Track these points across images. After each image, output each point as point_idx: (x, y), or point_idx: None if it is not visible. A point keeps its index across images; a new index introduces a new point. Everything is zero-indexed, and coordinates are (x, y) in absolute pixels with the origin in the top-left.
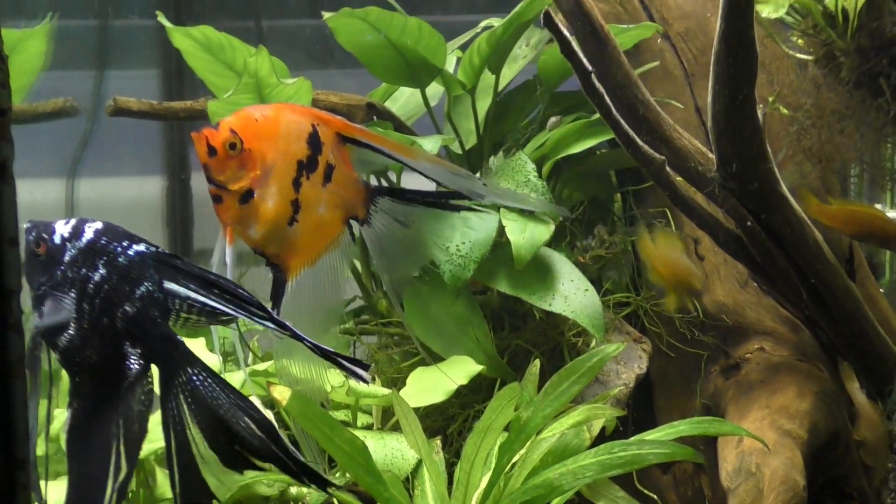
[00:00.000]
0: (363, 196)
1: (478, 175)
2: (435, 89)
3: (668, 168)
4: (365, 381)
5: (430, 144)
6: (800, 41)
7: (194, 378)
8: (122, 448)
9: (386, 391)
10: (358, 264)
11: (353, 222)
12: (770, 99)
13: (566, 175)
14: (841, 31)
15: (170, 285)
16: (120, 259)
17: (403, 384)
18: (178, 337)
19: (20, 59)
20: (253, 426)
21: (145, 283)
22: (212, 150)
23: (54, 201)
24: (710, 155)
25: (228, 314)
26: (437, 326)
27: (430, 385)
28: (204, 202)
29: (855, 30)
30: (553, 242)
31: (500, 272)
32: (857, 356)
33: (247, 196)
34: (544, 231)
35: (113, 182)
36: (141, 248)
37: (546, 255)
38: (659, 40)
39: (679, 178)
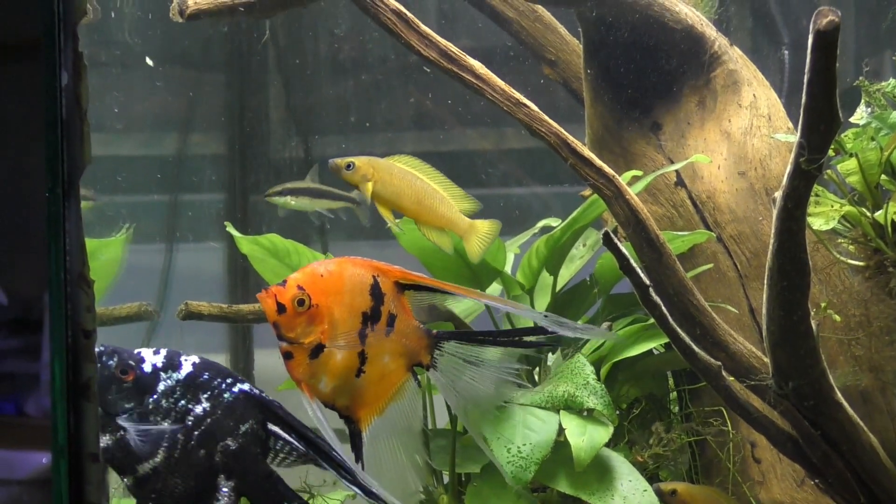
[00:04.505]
0: (426, 342)
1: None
2: (493, 288)
3: (723, 372)
4: None
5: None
6: (851, 247)
7: None
8: None
9: None
10: (419, 459)
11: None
12: (822, 305)
13: (623, 374)
14: (891, 241)
15: (274, 427)
16: (225, 395)
17: None
18: (278, 474)
19: (96, 265)
20: None
21: (250, 421)
22: (281, 308)
23: None
24: (765, 359)
25: (322, 466)
26: None
27: None
28: (266, 382)
29: None
30: (611, 442)
31: (560, 472)
32: None
33: (317, 351)
34: (603, 433)
35: None
36: (245, 387)
37: (605, 456)
38: (713, 243)
39: (733, 379)
